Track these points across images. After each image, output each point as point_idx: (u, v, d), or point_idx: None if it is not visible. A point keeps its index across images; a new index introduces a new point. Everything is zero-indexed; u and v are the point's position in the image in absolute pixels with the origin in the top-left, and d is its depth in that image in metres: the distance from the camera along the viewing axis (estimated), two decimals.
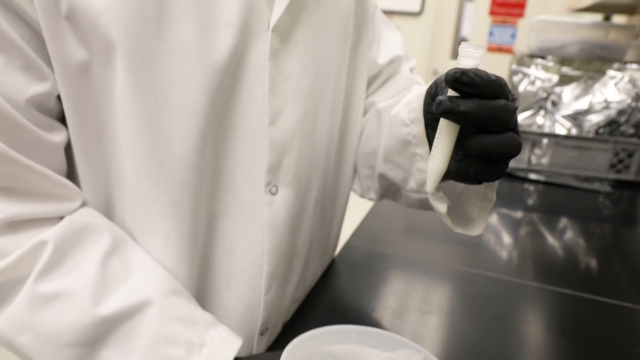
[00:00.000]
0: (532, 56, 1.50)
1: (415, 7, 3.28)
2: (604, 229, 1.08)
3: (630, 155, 1.24)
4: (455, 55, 3.43)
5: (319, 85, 0.55)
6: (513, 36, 3.23)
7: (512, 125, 0.37)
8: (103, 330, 0.42)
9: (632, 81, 1.23)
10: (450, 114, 0.36)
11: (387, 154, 0.54)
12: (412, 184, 0.52)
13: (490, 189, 0.47)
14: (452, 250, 0.90)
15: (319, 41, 0.54)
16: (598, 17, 2.20)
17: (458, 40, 3.46)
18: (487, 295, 0.75)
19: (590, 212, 1.14)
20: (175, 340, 0.43)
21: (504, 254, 0.92)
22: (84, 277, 0.42)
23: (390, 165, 0.54)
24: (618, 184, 1.26)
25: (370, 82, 0.69)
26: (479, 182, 0.40)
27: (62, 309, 0.41)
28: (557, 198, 1.21)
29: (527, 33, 3.14)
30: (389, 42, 0.71)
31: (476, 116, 0.35)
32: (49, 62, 0.42)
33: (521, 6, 3.17)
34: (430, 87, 0.44)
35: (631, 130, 1.26)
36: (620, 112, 1.23)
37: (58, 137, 0.44)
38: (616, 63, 1.38)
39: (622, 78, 1.27)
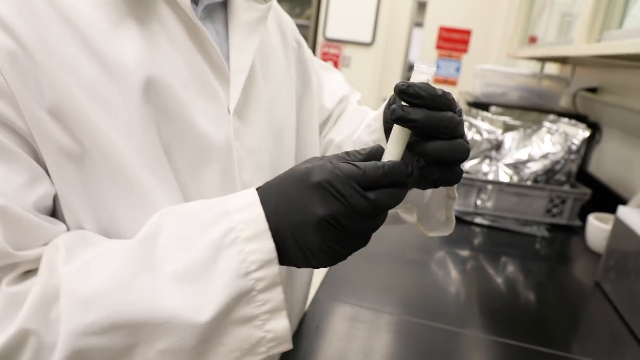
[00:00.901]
0: (477, 104, 1.62)
1: (367, 38, 3.40)
2: (541, 268, 1.18)
3: (563, 202, 1.36)
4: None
5: (276, 148, 0.60)
6: (458, 69, 3.41)
7: (460, 134, 0.42)
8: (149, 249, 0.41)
9: (565, 135, 1.36)
10: (402, 121, 0.40)
11: None
12: None
13: (451, 189, 0.54)
14: (399, 296, 0.96)
15: (270, 107, 0.59)
16: (533, 64, 2.39)
17: (407, 70, 3.61)
18: (432, 349, 0.81)
19: (529, 253, 1.24)
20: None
21: (449, 299, 0.99)
22: (104, 247, 0.42)
23: None
24: (553, 227, 1.38)
25: (323, 125, 0.75)
26: (437, 186, 0.46)
27: (103, 263, 0.40)
28: (500, 240, 1.31)
29: (470, 67, 3.33)
30: (332, 84, 0.77)
31: (425, 124, 0.40)
32: (44, 164, 0.44)
33: (465, 42, 3.36)
34: (388, 103, 0.50)
35: (563, 178, 1.39)
36: (555, 163, 1.35)
37: (61, 227, 0.45)
38: (551, 115, 1.52)
39: (557, 130, 1.39)
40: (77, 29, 0.43)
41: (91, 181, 0.44)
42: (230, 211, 0.41)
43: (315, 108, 0.70)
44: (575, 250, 1.29)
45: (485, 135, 1.39)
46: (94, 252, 0.41)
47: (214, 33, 0.55)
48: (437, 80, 3.45)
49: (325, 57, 3.51)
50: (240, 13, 0.56)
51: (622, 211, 1.01)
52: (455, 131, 0.42)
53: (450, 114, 0.41)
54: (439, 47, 3.41)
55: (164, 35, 0.48)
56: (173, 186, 0.48)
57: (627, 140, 1.45)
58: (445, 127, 0.41)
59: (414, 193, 0.57)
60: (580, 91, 1.73)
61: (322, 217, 0.38)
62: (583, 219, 1.36)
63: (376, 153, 0.42)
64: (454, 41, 3.37)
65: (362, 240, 0.41)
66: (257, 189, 0.43)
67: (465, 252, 1.22)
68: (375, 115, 0.55)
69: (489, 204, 1.36)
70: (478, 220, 1.35)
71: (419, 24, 3.47)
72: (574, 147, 1.34)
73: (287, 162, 0.63)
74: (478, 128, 1.41)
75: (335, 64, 3.51)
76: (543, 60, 2.03)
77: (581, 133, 1.33)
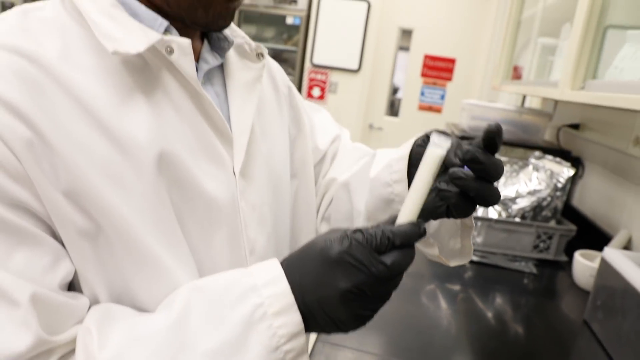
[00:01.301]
0: (466, 139, 1.67)
1: (354, 65, 3.47)
2: (530, 304, 1.21)
3: (550, 238, 1.40)
4: (389, 111, 3.64)
5: (275, 199, 0.62)
6: (442, 97, 3.49)
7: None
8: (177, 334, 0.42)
9: (550, 172, 1.40)
10: (474, 162, 0.45)
11: (371, 213, 0.62)
12: None
13: (468, 219, 0.57)
14: (387, 334, 0.98)
15: (269, 160, 0.61)
16: (515, 95, 2.46)
17: (392, 96, 3.68)
18: None
19: (518, 289, 1.27)
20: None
21: (439, 335, 1.01)
22: (136, 329, 0.43)
23: (373, 222, 0.62)
24: (540, 262, 1.42)
25: (319, 166, 0.77)
26: (453, 217, 0.50)
27: (139, 350, 0.42)
28: (490, 275, 1.34)
29: (455, 95, 3.41)
30: (323, 124, 0.79)
31: (489, 168, 0.45)
32: (61, 242, 0.45)
33: (450, 71, 3.44)
34: (416, 144, 0.56)
35: (549, 214, 1.43)
36: (542, 199, 1.40)
37: (84, 301, 0.46)
38: (536, 152, 1.57)
39: (543, 166, 1.44)
40: (87, 108, 0.44)
41: (106, 257, 0.45)
42: (257, 286, 0.43)
43: (309, 150, 0.72)
44: (563, 286, 1.33)
45: None
46: (127, 334, 0.42)
47: (215, 96, 0.57)
48: (422, 108, 3.53)
49: (312, 82, 3.56)
50: (237, 74, 0.59)
51: (608, 253, 1.05)
52: (499, 178, 0.48)
53: (502, 163, 0.47)
54: (424, 74, 3.49)
55: (170, 105, 0.50)
56: (185, 253, 0.49)
57: (608, 177, 1.51)
58: (499, 172, 0.47)
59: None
60: (563, 127, 1.79)
61: (346, 290, 0.41)
62: (569, 253, 1.40)
63: (391, 221, 0.45)
64: (438, 69, 3.46)
65: (385, 300, 0.44)
66: (281, 262, 0.45)
67: (455, 287, 1.24)
68: (398, 157, 0.58)
69: (479, 240, 1.39)
70: None
71: (403, 48, 3.54)
72: (559, 185, 1.38)
73: (285, 212, 0.64)
74: None
75: (322, 90, 3.56)
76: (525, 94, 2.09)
77: (566, 171, 1.38)
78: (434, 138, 0.46)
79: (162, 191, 0.47)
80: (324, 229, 0.75)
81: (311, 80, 3.56)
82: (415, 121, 3.57)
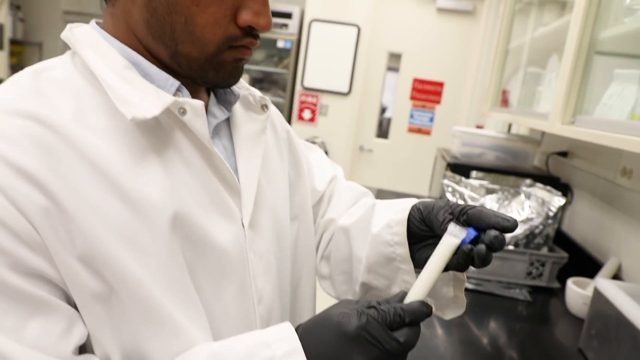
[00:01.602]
0: (458, 166, 1.71)
1: (344, 88, 3.52)
2: (525, 331, 1.24)
3: (542, 265, 1.43)
4: (379, 133, 3.70)
5: (279, 247, 0.63)
6: (431, 120, 3.55)
7: None
8: None
9: (542, 201, 1.44)
10: (496, 249, 0.50)
11: (371, 266, 0.64)
12: (395, 289, 0.63)
13: (460, 273, 0.60)
14: None
15: (273, 208, 0.62)
16: (501, 123, 2.52)
17: (380, 115, 3.73)
18: None
19: (513, 317, 1.30)
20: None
21: None
22: None
23: (374, 275, 0.65)
24: (533, 289, 1.45)
25: (317, 207, 0.79)
26: (449, 270, 0.54)
27: None
28: (484, 302, 1.36)
29: (443, 118, 3.47)
30: (320, 165, 0.81)
31: (500, 248, 0.50)
32: (74, 306, 0.46)
33: (438, 94, 3.51)
34: (417, 212, 0.58)
35: (542, 241, 1.46)
36: (534, 227, 1.43)
37: None
38: (527, 179, 1.61)
39: (534, 195, 1.48)
40: (102, 171, 0.45)
41: (119, 317, 0.46)
42: (275, 357, 0.44)
43: (308, 192, 0.74)
44: (556, 313, 1.36)
45: (470, 201, 1.46)
46: None
47: (222, 149, 0.58)
48: (411, 130, 3.59)
49: (303, 105, 3.60)
50: (243, 126, 0.60)
51: (601, 283, 1.08)
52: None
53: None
54: (413, 97, 3.55)
55: (182, 163, 0.51)
56: (198, 309, 0.50)
57: (597, 204, 1.55)
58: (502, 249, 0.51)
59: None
60: (552, 155, 1.84)
61: None
62: (561, 280, 1.44)
63: (401, 297, 0.48)
64: (427, 92, 3.52)
65: None
66: (296, 330, 0.47)
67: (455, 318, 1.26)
68: (397, 219, 0.60)
69: (473, 267, 1.42)
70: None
71: (392, 69, 3.61)
72: (551, 214, 1.42)
73: (286, 257, 0.66)
74: (462, 194, 1.49)
75: (313, 112, 3.61)
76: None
77: (557, 200, 1.42)
78: (452, 228, 0.50)
79: (176, 250, 0.48)
80: (323, 267, 0.77)
81: (302, 102, 3.60)
82: (405, 143, 3.62)
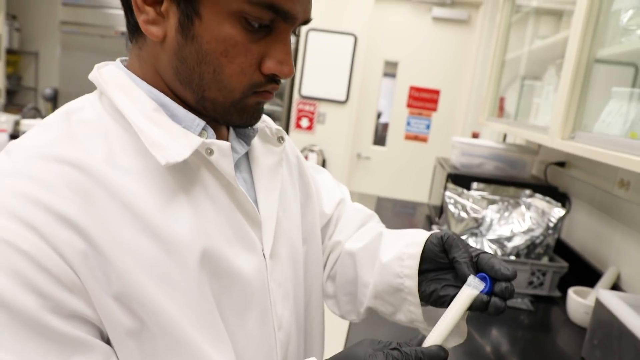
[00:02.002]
0: (458, 177, 1.74)
1: (342, 97, 3.55)
2: (528, 341, 1.27)
3: (544, 274, 1.47)
4: (376, 140, 3.73)
5: (295, 273, 0.65)
6: (428, 127, 3.59)
7: None
8: None
9: (542, 212, 1.48)
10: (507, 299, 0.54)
11: (379, 294, 0.68)
12: (400, 317, 0.66)
13: None
14: None
15: (289, 236, 0.65)
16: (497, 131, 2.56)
17: (377, 124, 3.77)
18: None
19: (515, 326, 1.33)
20: None
21: None
22: None
23: (381, 302, 0.68)
24: (535, 298, 1.48)
25: (324, 229, 0.81)
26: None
27: None
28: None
29: (440, 125, 3.51)
30: (327, 188, 0.84)
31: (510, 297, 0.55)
32: (109, 341, 0.47)
33: (435, 102, 3.56)
34: (433, 244, 0.62)
35: (542, 251, 1.50)
36: (535, 237, 1.47)
37: None
38: (527, 190, 1.65)
39: (535, 205, 1.52)
40: (134, 212, 0.47)
41: (150, 352, 0.48)
42: None
43: (317, 215, 0.76)
44: (558, 321, 1.39)
45: (472, 213, 1.50)
46: None
47: (243, 182, 0.60)
48: (408, 137, 3.62)
49: (301, 113, 3.63)
50: (262, 159, 0.63)
51: (603, 295, 1.12)
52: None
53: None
54: (409, 105, 3.59)
55: (208, 200, 0.53)
56: (224, 340, 0.52)
57: (595, 214, 1.59)
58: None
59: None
60: (550, 165, 1.88)
61: None
62: (561, 288, 1.47)
63: (420, 341, 0.52)
64: (424, 100, 3.57)
65: None
66: None
67: None
68: (410, 253, 0.63)
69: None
70: None
71: (388, 74, 3.65)
72: (551, 224, 1.45)
73: (300, 281, 0.68)
74: (464, 206, 1.52)
75: (311, 121, 3.63)
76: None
77: (557, 212, 1.45)
78: (471, 279, 0.54)
79: (204, 284, 0.50)
80: (329, 287, 0.80)
81: (299, 111, 3.63)
82: (402, 150, 3.66)
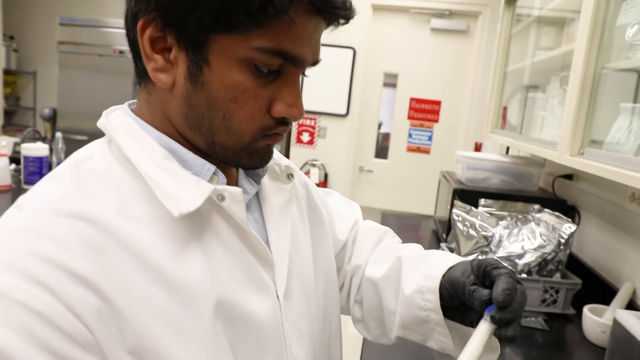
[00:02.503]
0: (464, 193, 1.71)
1: (342, 110, 3.55)
2: (542, 357, 1.24)
3: (557, 292, 1.44)
4: (378, 153, 3.71)
5: (309, 309, 0.64)
6: (430, 138, 3.58)
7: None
8: None
9: (552, 228, 1.45)
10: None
11: (406, 324, 0.67)
12: (431, 344, 0.66)
13: None
14: None
15: (300, 273, 0.63)
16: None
17: (377, 134, 3.75)
18: None
19: (531, 345, 1.30)
20: None
21: None
22: None
23: (409, 331, 0.68)
24: (549, 316, 1.45)
25: (341, 254, 0.80)
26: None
27: None
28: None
29: (442, 136, 3.50)
30: (340, 211, 0.83)
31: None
32: None
33: (436, 113, 3.54)
34: (443, 288, 0.62)
35: (554, 267, 1.47)
36: (546, 254, 1.44)
37: None
38: (536, 205, 1.62)
39: (544, 221, 1.49)
40: (147, 263, 0.46)
41: None
42: None
43: (330, 244, 0.75)
44: (574, 340, 1.36)
45: (481, 231, 1.47)
46: None
47: (254, 223, 0.59)
48: (410, 149, 3.61)
49: (301, 128, 3.62)
50: (272, 198, 0.62)
51: (621, 315, 1.09)
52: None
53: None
54: (410, 117, 3.58)
55: (220, 245, 0.52)
56: None
57: (606, 227, 1.56)
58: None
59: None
60: (557, 178, 1.85)
61: None
62: (575, 305, 1.44)
63: None
64: (425, 111, 3.55)
65: None
66: None
67: None
68: (428, 286, 0.63)
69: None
70: None
71: (388, 84, 3.64)
72: (562, 240, 1.43)
73: (314, 315, 0.66)
74: (472, 224, 1.50)
75: (311, 135, 3.62)
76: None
77: (568, 228, 1.43)
78: (489, 309, 0.54)
79: (219, 333, 0.49)
80: (357, 311, 0.79)
81: (300, 125, 3.62)
82: (405, 163, 3.64)
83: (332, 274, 0.74)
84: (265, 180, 0.63)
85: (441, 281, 0.62)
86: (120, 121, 0.53)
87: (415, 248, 0.78)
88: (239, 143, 0.51)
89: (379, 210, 3.85)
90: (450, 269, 0.63)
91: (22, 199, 0.48)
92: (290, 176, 0.65)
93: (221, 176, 0.55)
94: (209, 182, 0.53)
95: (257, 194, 0.62)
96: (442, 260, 0.66)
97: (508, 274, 0.56)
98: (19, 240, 0.43)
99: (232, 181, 0.59)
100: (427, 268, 0.65)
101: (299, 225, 0.68)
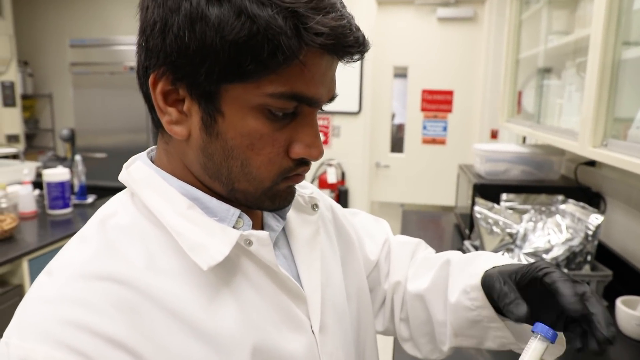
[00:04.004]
0: (485, 188, 1.69)
1: (354, 108, 3.52)
2: (578, 356, 1.21)
3: (587, 284, 1.40)
4: (393, 147, 3.69)
5: (344, 337, 0.63)
6: (445, 129, 3.53)
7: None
8: None
9: (578, 220, 1.42)
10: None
11: (458, 331, 0.66)
12: (489, 344, 0.64)
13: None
14: None
15: (333, 301, 0.62)
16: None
17: (394, 129, 3.72)
18: None
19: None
20: None
21: None
22: None
23: (462, 338, 0.66)
24: None
25: (374, 274, 0.79)
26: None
27: None
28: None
29: (457, 126, 3.45)
30: (367, 232, 0.81)
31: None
32: None
33: (449, 103, 3.50)
34: (497, 288, 0.58)
35: (582, 259, 1.44)
36: (573, 247, 1.41)
37: None
38: (559, 195, 1.59)
39: (570, 213, 1.46)
40: (181, 317, 0.46)
41: None
42: None
43: (361, 266, 0.74)
44: None
45: (506, 229, 1.45)
46: None
47: (283, 259, 0.59)
48: (425, 141, 3.57)
49: None
50: (299, 231, 0.61)
51: None
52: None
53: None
54: (423, 109, 3.54)
55: (251, 288, 0.52)
56: None
57: (633, 214, 1.52)
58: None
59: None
60: (579, 165, 1.81)
61: None
62: (607, 296, 1.41)
63: None
64: (438, 102, 3.51)
65: None
66: None
67: None
68: (472, 285, 0.62)
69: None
70: None
71: (399, 75, 3.60)
72: (590, 232, 1.40)
73: (350, 341, 0.65)
74: (496, 222, 1.47)
75: (325, 135, 3.61)
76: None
77: (594, 219, 1.40)
78: (539, 327, 0.51)
79: None
80: (403, 330, 0.78)
81: None
82: (421, 155, 3.61)
83: (364, 295, 0.73)
84: (291, 213, 0.62)
85: (481, 280, 0.60)
86: (141, 173, 0.53)
87: (455, 253, 0.75)
88: (259, 188, 0.51)
89: (398, 204, 3.83)
90: (493, 268, 0.61)
91: (52, 264, 0.48)
92: (315, 206, 0.64)
93: (246, 219, 0.54)
94: (234, 226, 0.53)
95: (283, 228, 0.62)
96: (487, 261, 0.64)
97: (565, 279, 0.53)
98: (52, 310, 0.43)
99: (258, 219, 0.59)
100: (472, 268, 0.64)
101: (328, 253, 0.67)
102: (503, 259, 0.65)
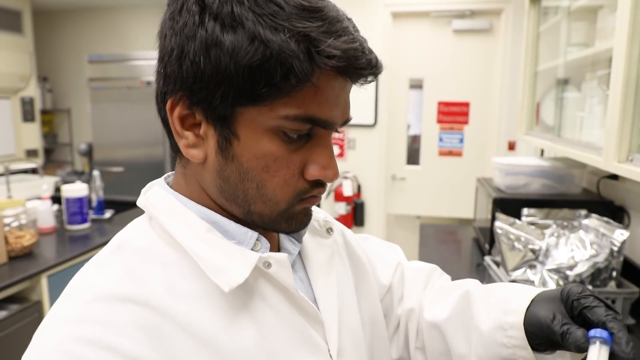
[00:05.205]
0: (504, 202, 1.66)
1: (370, 120, 3.52)
2: None
3: (613, 302, 1.37)
4: (410, 160, 3.66)
5: (359, 357, 0.62)
6: (461, 141, 3.50)
7: None
8: None
9: (602, 235, 1.39)
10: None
11: None
12: None
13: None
14: None
15: (349, 325, 0.62)
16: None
17: (410, 145, 3.70)
18: None
19: None
20: None
21: None
22: None
23: None
24: None
25: (389, 298, 0.77)
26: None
27: None
28: None
29: (473, 137, 3.42)
30: (379, 256, 0.80)
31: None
32: None
33: (465, 114, 3.47)
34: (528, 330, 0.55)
35: (607, 275, 1.40)
36: (597, 263, 1.38)
37: None
38: (582, 210, 1.55)
39: (594, 228, 1.43)
40: (201, 340, 0.46)
41: None
42: None
43: (374, 290, 0.73)
44: (636, 353, 1.29)
45: (529, 245, 1.42)
46: None
47: (300, 282, 0.59)
48: (442, 153, 3.54)
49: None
50: (314, 255, 0.61)
51: None
52: None
53: None
54: (440, 121, 3.52)
55: (270, 311, 0.52)
56: None
57: None
58: None
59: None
60: (602, 179, 1.78)
61: None
62: (634, 314, 1.37)
63: None
64: (454, 114, 3.49)
65: None
66: None
67: None
68: (511, 323, 0.58)
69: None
70: None
71: (414, 87, 3.58)
72: (615, 248, 1.36)
73: (362, 348, 0.65)
74: (518, 237, 1.44)
75: (341, 148, 3.61)
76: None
77: (619, 234, 1.36)
78: (595, 333, 0.48)
79: None
80: (419, 359, 0.75)
81: None
82: (437, 168, 3.58)
83: (378, 320, 0.72)
84: (306, 237, 0.62)
85: (525, 320, 0.57)
86: (160, 198, 0.53)
87: (474, 283, 0.72)
88: (275, 210, 0.51)
89: (414, 217, 3.80)
90: (531, 302, 0.58)
91: (70, 287, 0.48)
92: (330, 230, 0.64)
93: (264, 241, 0.54)
94: (252, 249, 0.53)
95: (299, 252, 0.62)
96: (520, 293, 0.61)
97: (609, 313, 0.50)
98: (74, 330, 0.43)
99: (274, 242, 0.59)
100: (504, 302, 0.61)
101: (342, 277, 0.67)
102: (530, 289, 0.61)
